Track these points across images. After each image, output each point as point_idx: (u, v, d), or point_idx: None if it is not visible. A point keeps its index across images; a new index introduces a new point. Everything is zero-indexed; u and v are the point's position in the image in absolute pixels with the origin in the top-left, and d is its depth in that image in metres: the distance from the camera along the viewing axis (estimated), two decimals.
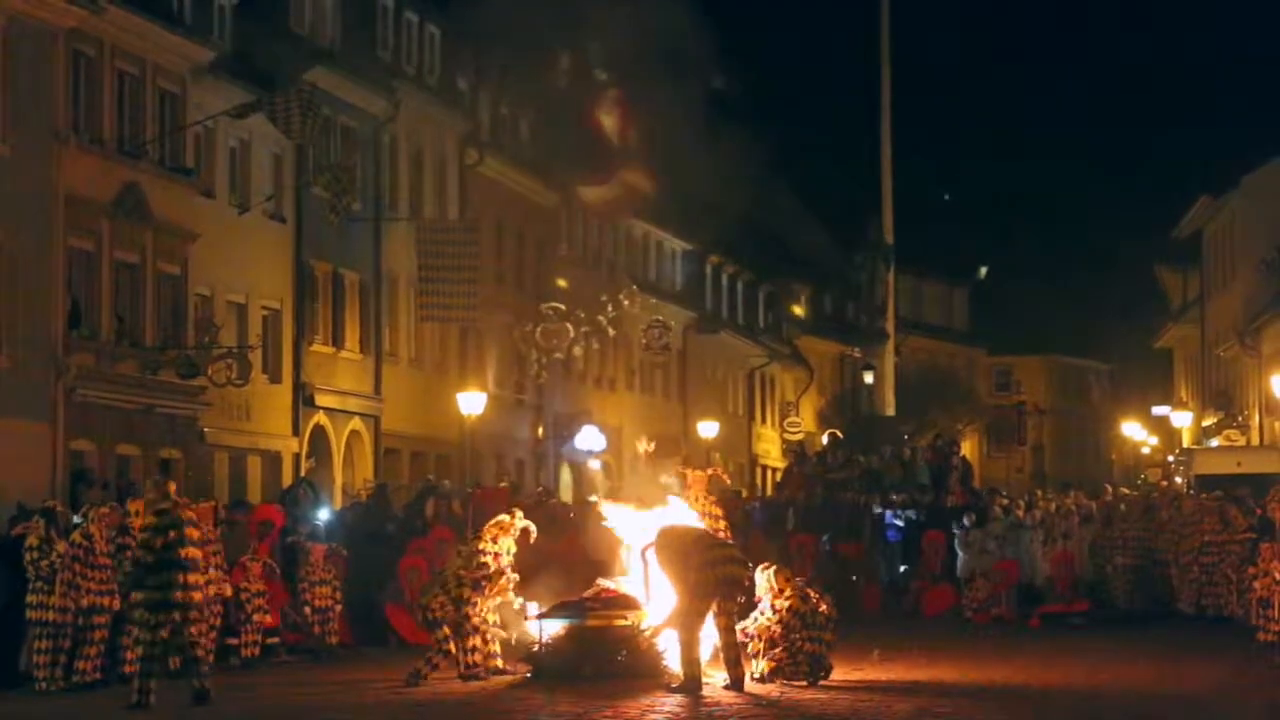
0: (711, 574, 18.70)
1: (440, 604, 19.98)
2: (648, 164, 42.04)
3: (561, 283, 43.63)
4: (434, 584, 20.52)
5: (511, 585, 20.40)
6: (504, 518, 20.78)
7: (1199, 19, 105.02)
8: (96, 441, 31.40)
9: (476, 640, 20.01)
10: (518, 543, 20.69)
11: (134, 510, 20.85)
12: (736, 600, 19.01)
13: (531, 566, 21.18)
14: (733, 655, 18.73)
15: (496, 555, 20.32)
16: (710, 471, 23.48)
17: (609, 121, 35.48)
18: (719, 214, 60.00)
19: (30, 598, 20.22)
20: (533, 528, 21.03)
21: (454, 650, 19.92)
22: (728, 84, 38.67)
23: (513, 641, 20.54)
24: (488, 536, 20.45)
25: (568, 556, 24.18)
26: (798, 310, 67.82)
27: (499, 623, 20.56)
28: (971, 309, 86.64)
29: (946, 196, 73.20)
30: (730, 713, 17.04)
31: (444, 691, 19.07)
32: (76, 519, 21.09)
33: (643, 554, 19.63)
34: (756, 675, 19.29)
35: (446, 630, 19.93)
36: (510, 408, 46.71)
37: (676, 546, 19.09)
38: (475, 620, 20.03)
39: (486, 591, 20.17)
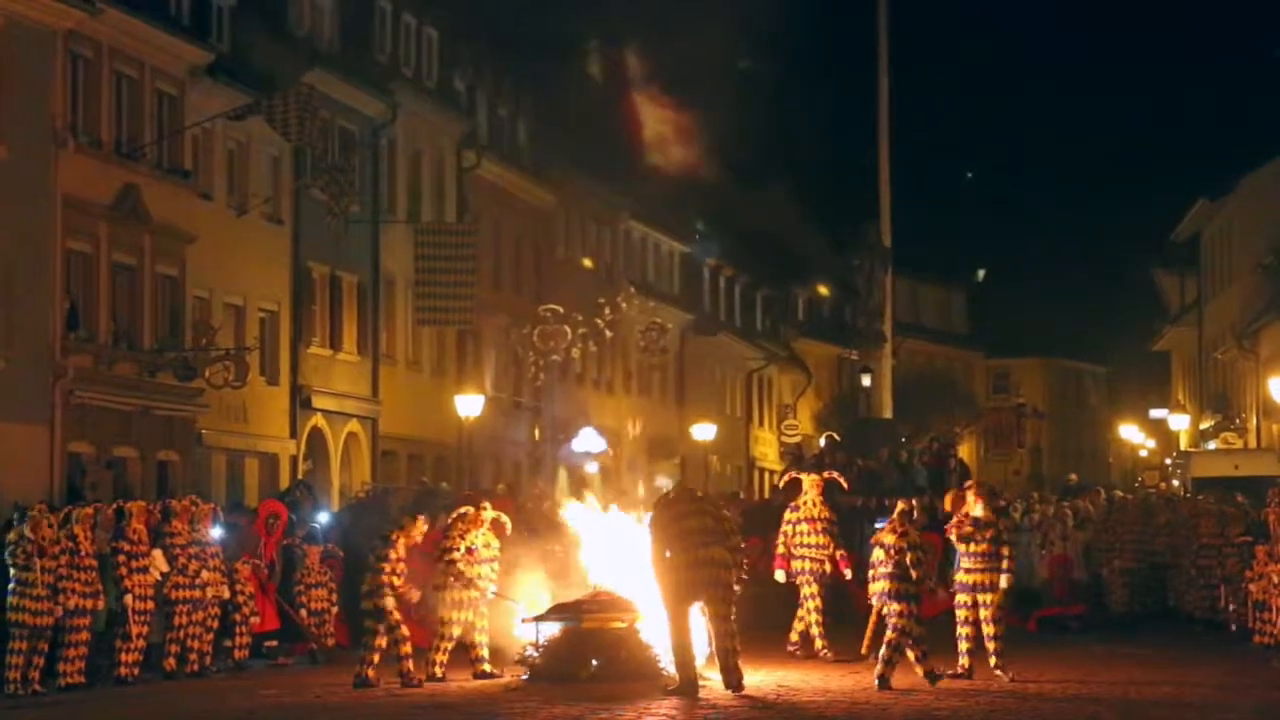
0: (690, 576, 18.34)
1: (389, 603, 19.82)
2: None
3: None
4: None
5: (483, 587, 20.23)
6: (468, 509, 20.60)
7: (1199, 19, 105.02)
8: (94, 443, 31.39)
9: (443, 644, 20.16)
10: (500, 537, 20.66)
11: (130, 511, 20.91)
12: (728, 603, 18.54)
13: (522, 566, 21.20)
14: (730, 662, 18.47)
15: (469, 552, 20.16)
16: (826, 475, 23.28)
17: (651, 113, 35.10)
18: (718, 218, 60.15)
19: (11, 599, 19.69)
20: (505, 519, 20.91)
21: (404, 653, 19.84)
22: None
23: (516, 647, 20.49)
24: (455, 534, 20.29)
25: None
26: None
27: (486, 627, 20.51)
28: (969, 311, 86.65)
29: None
30: (726, 715, 17.02)
31: (440, 693, 19.07)
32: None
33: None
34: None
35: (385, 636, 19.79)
36: (508, 410, 46.70)
37: (657, 541, 18.67)
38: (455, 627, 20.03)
39: (448, 596, 20.08)
